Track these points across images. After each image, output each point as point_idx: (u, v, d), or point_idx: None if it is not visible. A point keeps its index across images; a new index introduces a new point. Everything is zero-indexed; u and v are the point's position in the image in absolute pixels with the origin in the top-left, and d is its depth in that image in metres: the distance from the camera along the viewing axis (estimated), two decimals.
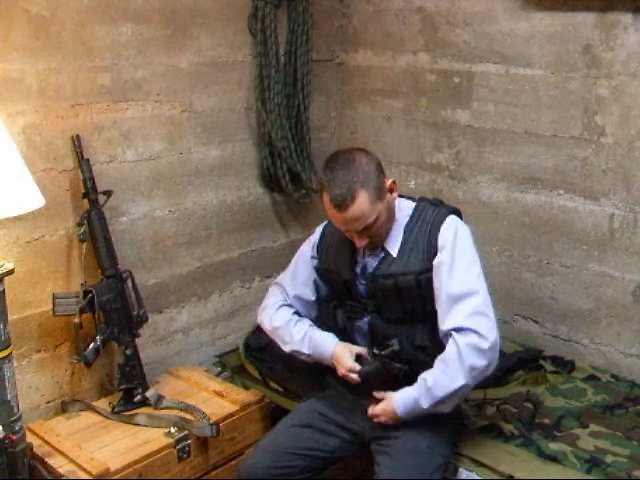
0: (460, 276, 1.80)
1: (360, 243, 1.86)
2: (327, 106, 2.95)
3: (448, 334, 1.78)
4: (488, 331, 1.75)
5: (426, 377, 1.79)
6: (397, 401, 1.83)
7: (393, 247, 1.91)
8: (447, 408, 1.82)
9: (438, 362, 1.79)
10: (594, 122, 2.30)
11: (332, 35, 2.89)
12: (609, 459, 1.87)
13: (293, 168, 2.68)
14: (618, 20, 2.19)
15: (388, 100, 2.80)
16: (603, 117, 2.28)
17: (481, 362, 1.75)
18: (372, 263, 1.94)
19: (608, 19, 2.21)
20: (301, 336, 1.99)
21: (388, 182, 1.86)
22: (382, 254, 1.93)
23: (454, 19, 2.55)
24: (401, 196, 1.98)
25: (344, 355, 1.91)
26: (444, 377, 1.77)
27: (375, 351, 1.87)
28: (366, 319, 1.95)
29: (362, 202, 1.77)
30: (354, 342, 1.97)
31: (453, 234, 1.84)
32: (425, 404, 1.79)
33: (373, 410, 1.89)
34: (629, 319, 2.33)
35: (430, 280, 1.85)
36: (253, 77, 2.59)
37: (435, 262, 1.83)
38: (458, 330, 1.76)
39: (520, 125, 2.46)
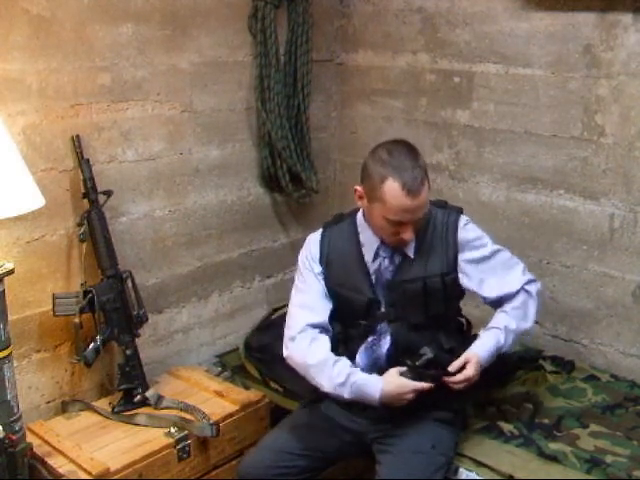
0: (502, 255, 1.99)
1: (410, 235, 1.84)
2: (327, 106, 2.95)
3: (518, 291, 1.96)
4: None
5: (506, 324, 1.92)
6: (482, 357, 1.87)
7: (409, 248, 1.91)
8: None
9: (511, 309, 1.94)
10: (594, 122, 2.30)
11: (332, 35, 2.89)
12: (609, 459, 1.87)
13: (293, 168, 2.68)
14: (618, 20, 2.19)
15: (388, 100, 2.80)
16: (603, 117, 2.28)
17: (538, 300, 2.01)
18: (387, 267, 1.93)
19: (608, 19, 2.21)
20: (342, 380, 1.84)
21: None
22: (399, 257, 1.92)
23: (454, 19, 2.55)
24: None
25: (399, 382, 1.81)
26: (523, 320, 1.95)
27: (409, 363, 1.81)
28: (387, 332, 1.93)
29: (427, 189, 1.82)
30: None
31: (472, 232, 1.96)
32: (506, 345, 1.92)
33: (457, 378, 1.83)
34: (629, 319, 2.33)
35: (454, 281, 1.91)
36: (253, 77, 2.59)
37: (468, 264, 1.94)
38: (527, 283, 1.98)
39: (520, 125, 2.46)
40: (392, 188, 1.76)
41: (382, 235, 1.89)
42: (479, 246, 1.95)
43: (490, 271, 1.96)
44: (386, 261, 1.93)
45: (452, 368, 1.82)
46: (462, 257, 1.93)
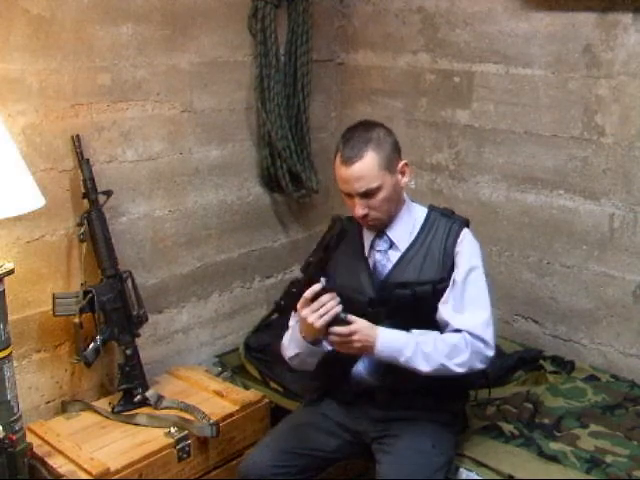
0: (475, 287, 1.85)
1: (359, 211, 1.83)
2: (327, 106, 2.95)
3: (460, 331, 1.81)
4: (493, 342, 1.82)
5: (424, 342, 1.77)
6: (382, 341, 1.76)
7: (399, 239, 1.90)
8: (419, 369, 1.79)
9: (443, 342, 1.78)
10: (594, 122, 2.30)
11: (332, 35, 2.89)
12: (609, 459, 1.87)
13: (293, 168, 2.68)
14: (618, 20, 2.19)
15: (388, 100, 2.81)
16: (603, 117, 2.28)
17: (480, 366, 1.82)
18: (381, 261, 1.92)
19: (608, 19, 2.21)
20: (287, 339, 1.93)
21: (401, 163, 1.87)
22: (387, 244, 1.90)
23: (454, 19, 2.55)
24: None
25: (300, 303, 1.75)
26: (440, 355, 1.77)
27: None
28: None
29: (369, 162, 1.79)
30: (348, 361, 1.93)
31: (472, 247, 1.88)
32: (403, 361, 1.76)
33: (348, 328, 1.73)
34: (629, 319, 2.33)
35: (445, 290, 1.86)
36: (253, 77, 2.59)
37: (455, 275, 1.85)
38: (472, 334, 1.80)
39: (520, 125, 2.46)
40: (336, 158, 1.85)
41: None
42: (459, 265, 1.85)
43: (453, 293, 1.84)
44: (380, 255, 1.92)
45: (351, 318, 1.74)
46: (454, 273, 1.86)
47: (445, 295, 1.85)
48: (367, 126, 1.88)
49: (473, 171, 2.61)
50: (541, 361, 2.38)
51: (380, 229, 1.91)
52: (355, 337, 1.75)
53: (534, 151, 2.44)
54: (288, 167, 2.67)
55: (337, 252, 1.94)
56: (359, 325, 1.76)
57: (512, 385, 2.27)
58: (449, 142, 2.66)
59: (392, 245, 1.91)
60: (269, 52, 2.55)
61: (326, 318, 1.71)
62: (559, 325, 2.50)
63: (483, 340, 1.80)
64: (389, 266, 1.90)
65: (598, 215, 2.34)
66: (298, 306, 1.76)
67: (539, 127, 2.42)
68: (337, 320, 1.72)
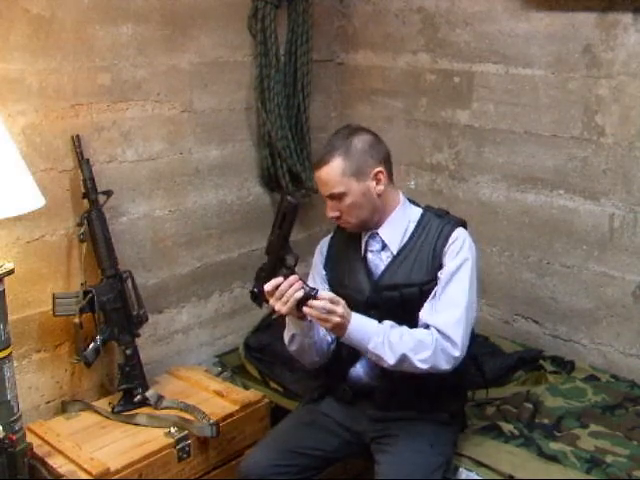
0: (456, 286, 1.82)
1: (329, 212, 1.88)
2: (327, 106, 2.95)
3: (430, 327, 1.79)
4: (462, 343, 1.78)
5: (391, 334, 1.76)
6: (354, 323, 1.75)
7: (391, 240, 1.89)
8: (380, 362, 1.79)
9: (410, 335, 1.77)
10: (594, 122, 2.30)
11: (332, 35, 2.89)
12: (609, 459, 1.87)
13: (293, 168, 2.68)
14: (618, 20, 2.19)
15: (388, 100, 2.81)
16: (603, 117, 2.28)
17: (445, 366, 1.78)
18: (375, 261, 1.92)
19: (608, 19, 2.21)
20: (285, 331, 1.97)
21: (375, 170, 1.85)
22: (380, 245, 1.91)
23: (454, 19, 2.55)
24: (410, 201, 1.97)
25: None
26: (405, 348, 1.75)
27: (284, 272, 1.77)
28: None
29: (333, 168, 1.82)
30: (347, 362, 1.95)
31: (460, 247, 1.84)
32: (371, 347, 1.76)
33: (329, 305, 1.72)
34: (629, 319, 2.33)
35: (431, 290, 1.85)
36: (253, 77, 2.59)
37: (440, 273, 1.83)
38: (440, 332, 1.78)
39: (520, 125, 2.46)
40: None
41: None
42: (446, 263, 1.83)
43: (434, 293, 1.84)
44: (372, 255, 1.93)
45: (322, 295, 1.74)
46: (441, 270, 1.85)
47: (432, 294, 1.84)
48: (347, 132, 1.89)
49: (473, 171, 2.61)
50: (541, 361, 2.38)
51: (359, 231, 1.93)
52: (338, 309, 1.72)
53: (534, 151, 2.44)
54: (288, 167, 2.67)
55: (337, 251, 1.96)
56: (345, 309, 1.74)
57: (512, 385, 2.27)
58: (449, 142, 2.66)
59: (384, 246, 1.91)
60: (269, 52, 2.55)
61: (289, 305, 1.72)
62: (559, 325, 2.50)
63: (450, 339, 1.77)
64: (381, 267, 1.91)
65: (598, 215, 2.34)
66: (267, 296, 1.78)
67: (539, 127, 2.42)
68: (308, 298, 1.73)
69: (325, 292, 1.77)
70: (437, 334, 1.78)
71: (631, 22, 2.17)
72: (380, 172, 1.86)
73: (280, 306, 1.74)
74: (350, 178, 1.82)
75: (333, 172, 1.83)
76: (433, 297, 1.83)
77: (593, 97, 2.29)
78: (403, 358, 1.75)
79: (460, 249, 1.84)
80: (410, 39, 2.69)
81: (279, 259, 1.78)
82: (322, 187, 1.87)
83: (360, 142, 1.85)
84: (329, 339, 1.96)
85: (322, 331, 1.92)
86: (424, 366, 1.76)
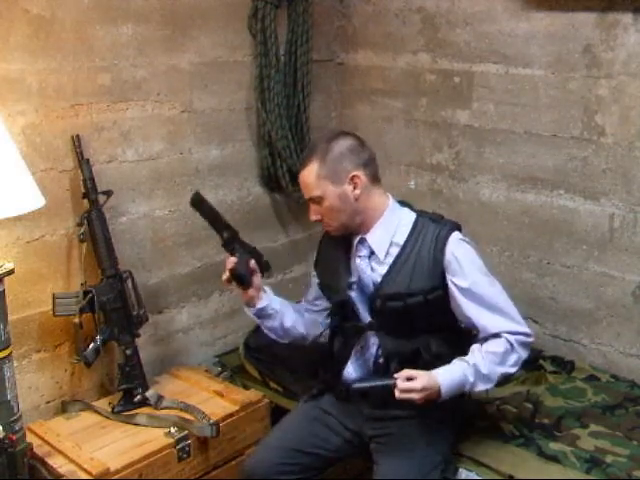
0: (485, 292, 1.86)
1: (311, 216, 1.92)
2: (327, 106, 2.95)
3: (497, 335, 1.84)
4: (526, 325, 1.89)
5: (477, 363, 1.80)
6: (444, 385, 1.77)
7: (378, 245, 1.88)
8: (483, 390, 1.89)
9: (492, 355, 1.82)
10: (594, 122, 2.30)
11: (332, 35, 2.89)
12: (609, 459, 1.87)
13: (293, 168, 2.68)
14: (618, 20, 2.19)
15: (388, 100, 2.80)
16: (603, 117, 2.28)
17: (527, 353, 1.87)
18: (361, 266, 1.91)
19: (608, 19, 2.21)
20: None
21: (350, 174, 1.84)
22: (368, 251, 1.90)
23: (454, 19, 2.55)
24: (401, 203, 1.96)
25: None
26: (496, 367, 1.82)
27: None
28: (372, 339, 1.92)
29: (310, 171, 1.85)
30: (339, 361, 1.97)
31: (461, 254, 1.84)
32: (470, 390, 1.83)
33: (405, 384, 1.74)
34: (629, 319, 2.33)
35: (438, 298, 1.84)
36: (253, 77, 2.59)
37: (452, 287, 1.84)
38: (510, 332, 1.84)
39: (520, 125, 2.46)
40: None
41: None
42: (459, 274, 1.83)
43: (468, 303, 1.85)
44: (360, 260, 1.92)
45: (397, 375, 1.77)
46: (448, 277, 1.85)
47: (458, 302, 1.84)
48: (328, 136, 1.91)
49: (473, 171, 2.61)
50: (541, 361, 2.38)
51: (343, 234, 1.94)
52: (422, 395, 1.74)
53: (534, 151, 2.44)
54: (288, 167, 2.67)
55: (325, 248, 2.01)
56: (424, 381, 1.74)
57: (512, 385, 2.26)
58: (449, 142, 2.66)
59: (372, 253, 1.90)
60: (269, 52, 2.55)
61: (227, 273, 1.96)
62: (559, 325, 2.50)
63: (520, 332, 1.85)
64: (368, 272, 1.90)
65: (598, 215, 2.34)
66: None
67: (539, 127, 2.42)
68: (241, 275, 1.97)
69: (405, 371, 1.76)
70: (510, 335, 1.84)
71: (631, 22, 2.16)
72: (356, 176, 1.85)
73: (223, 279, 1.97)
74: (325, 181, 1.84)
75: (310, 175, 1.85)
76: (470, 308, 1.84)
77: (593, 97, 2.29)
78: (500, 377, 1.85)
79: (466, 251, 1.86)
80: (410, 39, 2.69)
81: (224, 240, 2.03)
82: (303, 190, 1.91)
83: (338, 146, 1.86)
84: (305, 314, 2.09)
85: (291, 310, 2.06)
86: (516, 368, 1.86)
